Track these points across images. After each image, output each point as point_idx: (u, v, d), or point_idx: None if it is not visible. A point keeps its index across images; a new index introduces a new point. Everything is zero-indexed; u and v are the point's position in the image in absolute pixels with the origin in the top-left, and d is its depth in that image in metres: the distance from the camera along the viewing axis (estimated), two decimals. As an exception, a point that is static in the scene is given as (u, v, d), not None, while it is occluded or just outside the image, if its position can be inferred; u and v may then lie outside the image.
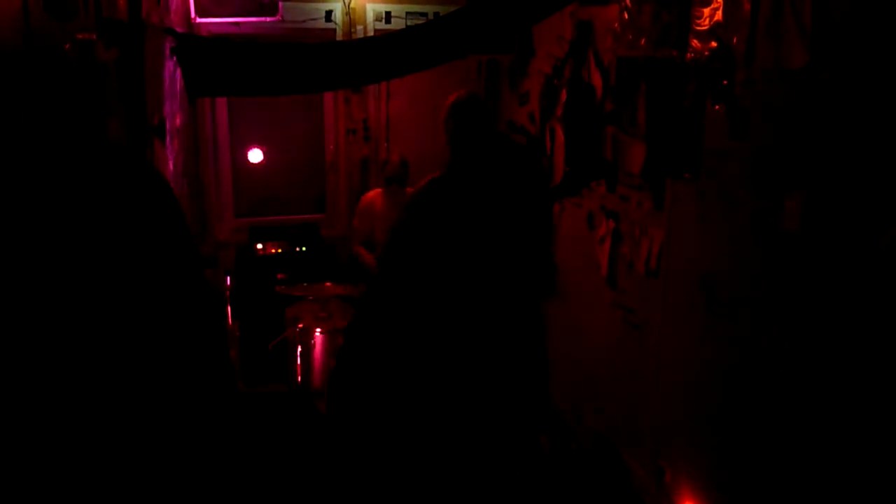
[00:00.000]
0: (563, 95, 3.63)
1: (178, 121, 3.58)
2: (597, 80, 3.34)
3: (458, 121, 3.06)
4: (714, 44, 2.47)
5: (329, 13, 4.40)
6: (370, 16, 4.48)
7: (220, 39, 3.51)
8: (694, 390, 2.69)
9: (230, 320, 3.90)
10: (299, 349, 3.55)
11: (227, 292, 4.00)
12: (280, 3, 4.27)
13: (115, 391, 0.72)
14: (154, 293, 0.75)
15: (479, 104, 3.14)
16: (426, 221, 1.92)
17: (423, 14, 4.46)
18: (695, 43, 2.58)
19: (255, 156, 4.59)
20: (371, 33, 4.42)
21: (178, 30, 3.36)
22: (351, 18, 4.44)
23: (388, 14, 4.48)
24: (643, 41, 2.93)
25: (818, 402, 2.05)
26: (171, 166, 3.33)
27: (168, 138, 3.25)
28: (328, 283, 3.76)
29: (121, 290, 0.73)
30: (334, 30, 4.43)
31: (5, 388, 0.72)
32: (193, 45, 3.03)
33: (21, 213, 0.73)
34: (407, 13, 4.50)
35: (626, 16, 3.05)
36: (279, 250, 4.39)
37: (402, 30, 3.82)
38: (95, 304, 0.72)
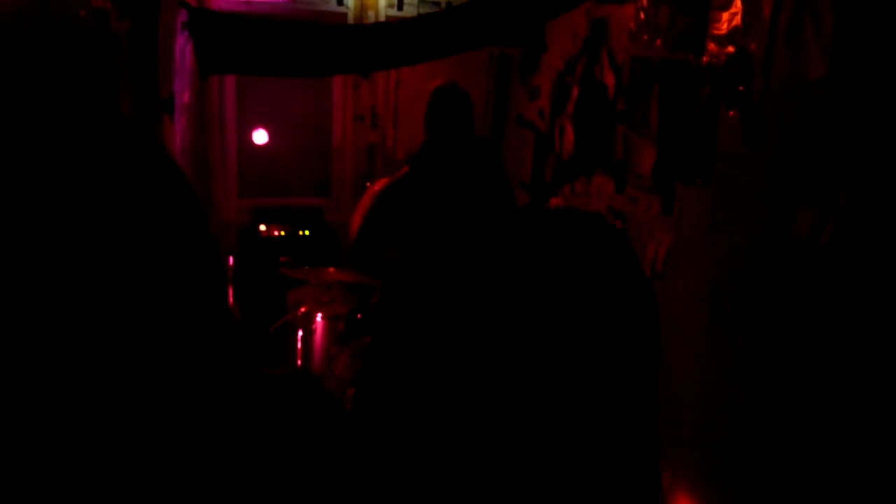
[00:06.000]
0: (575, 93, 3.61)
1: (186, 97, 3.55)
2: (609, 79, 3.33)
3: (435, 111, 2.97)
4: (731, 49, 2.46)
5: (341, -3, 4.36)
6: (382, 1, 4.44)
7: (234, 15, 3.48)
8: (696, 397, 2.68)
9: (231, 301, 3.89)
10: (300, 333, 3.54)
11: (230, 273, 3.98)
12: (292, -16, 4.23)
13: (124, 379, 0.71)
14: (166, 279, 0.73)
15: (458, 97, 3.01)
16: None
17: (436, 3, 4.42)
18: (711, 47, 2.57)
19: (261, 137, 4.56)
20: (382, 19, 4.38)
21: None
22: (363, 3, 4.39)
23: (400, 1, 4.44)
24: (658, 42, 2.92)
25: (822, 413, 2.05)
26: (178, 142, 3.31)
27: (176, 114, 3.23)
28: (331, 268, 3.74)
29: (130, 276, 0.72)
30: (346, 14, 4.39)
31: (16, 374, 0.71)
32: (207, 20, 3.00)
33: (24, 194, 0.72)
34: (420, 1, 4.46)
35: (643, 16, 3.04)
36: (283, 233, 4.36)
37: (415, 17, 3.79)
38: (103, 290, 0.70)
